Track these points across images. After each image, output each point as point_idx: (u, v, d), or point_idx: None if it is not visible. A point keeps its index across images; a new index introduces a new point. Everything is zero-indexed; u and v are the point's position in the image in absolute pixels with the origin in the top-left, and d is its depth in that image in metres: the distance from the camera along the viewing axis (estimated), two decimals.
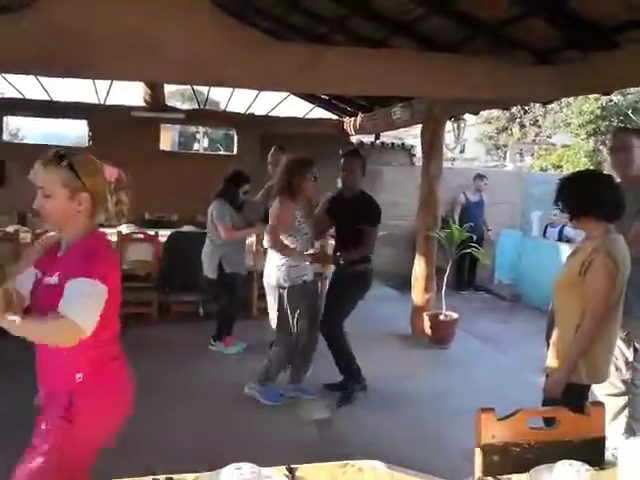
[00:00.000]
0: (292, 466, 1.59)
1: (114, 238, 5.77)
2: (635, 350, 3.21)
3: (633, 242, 2.74)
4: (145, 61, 3.46)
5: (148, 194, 7.53)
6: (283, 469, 1.57)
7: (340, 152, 4.54)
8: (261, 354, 4.28)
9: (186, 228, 6.79)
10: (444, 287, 5.52)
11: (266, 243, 4.08)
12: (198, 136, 21.68)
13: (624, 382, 3.19)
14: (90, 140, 7.81)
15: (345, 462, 1.63)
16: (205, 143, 21.41)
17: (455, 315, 5.55)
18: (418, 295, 5.76)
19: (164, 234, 6.01)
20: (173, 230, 6.28)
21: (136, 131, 7.54)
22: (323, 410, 4.02)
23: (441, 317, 5.50)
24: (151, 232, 5.99)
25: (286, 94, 8.53)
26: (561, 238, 8.06)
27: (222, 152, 11.11)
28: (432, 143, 5.64)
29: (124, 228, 6.40)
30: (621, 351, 3.11)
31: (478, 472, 1.69)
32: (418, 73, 3.90)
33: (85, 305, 1.72)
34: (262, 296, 5.98)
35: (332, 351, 4.27)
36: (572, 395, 2.41)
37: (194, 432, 3.53)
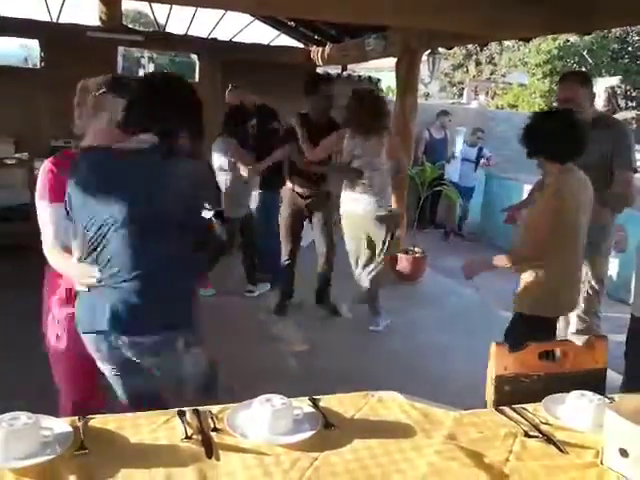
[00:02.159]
0: (314, 397, 1.60)
1: None
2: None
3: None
4: None
5: None
6: (306, 400, 1.58)
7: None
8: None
9: None
10: (415, 224, 5.58)
11: None
12: (143, 61, 20.59)
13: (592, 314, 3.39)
14: (42, 61, 7.31)
15: (365, 393, 1.65)
16: (150, 68, 20.35)
17: (424, 252, 5.64)
18: None
19: None
20: None
21: (92, 53, 7.05)
22: (301, 343, 4.08)
23: (411, 254, 5.58)
24: None
25: (251, 19, 8.18)
26: (479, 157, 8.23)
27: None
28: (407, 77, 5.55)
29: None
30: None
31: (490, 401, 1.75)
32: (406, 2, 3.77)
33: None
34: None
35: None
36: (526, 324, 2.63)
37: None
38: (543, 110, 3.04)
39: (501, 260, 2.68)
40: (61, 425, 1.35)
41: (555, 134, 2.50)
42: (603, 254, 3.31)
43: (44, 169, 1.93)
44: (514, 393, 1.75)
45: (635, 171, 3.22)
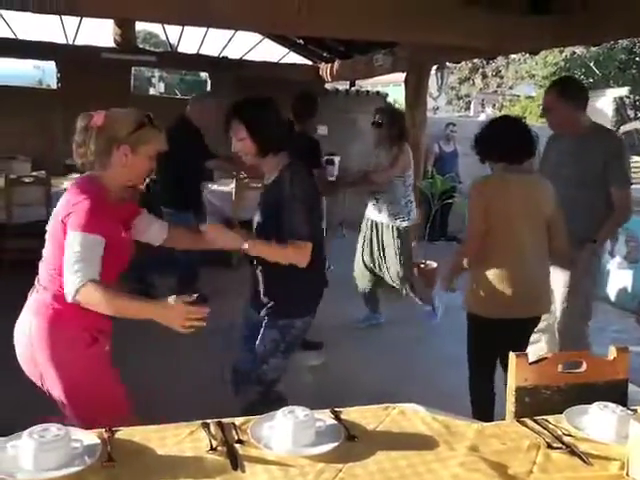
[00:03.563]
0: (336, 409, 1.61)
1: None
2: None
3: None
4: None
5: None
6: (328, 412, 1.59)
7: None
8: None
9: None
10: (426, 237, 5.59)
11: None
12: (153, 80, 20.84)
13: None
14: (59, 82, 7.45)
15: (386, 405, 1.66)
16: (161, 88, 20.61)
17: (435, 264, 5.63)
18: None
19: None
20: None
21: (106, 73, 7.20)
22: (315, 357, 4.08)
23: (422, 266, 5.57)
24: None
25: (260, 38, 8.29)
26: None
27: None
28: (416, 91, 5.60)
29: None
30: None
31: (511, 413, 1.75)
32: (415, 18, 3.82)
33: None
34: None
35: None
36: (470, 323, 2.79)
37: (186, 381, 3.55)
38: (495, 117, 3.18)
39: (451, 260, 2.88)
40: (89, 437, 1.37)
41: (501, 138, 2.68)
42: (583, 269, 3.16)
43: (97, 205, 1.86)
44: (535, 404, 1.74)
45: (631, 184, 3.18)
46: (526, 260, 2.69)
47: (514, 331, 2.69)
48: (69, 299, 1.78)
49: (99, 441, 1.36)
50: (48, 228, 1.95)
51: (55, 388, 1.91)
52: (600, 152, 3.06)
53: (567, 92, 3.15)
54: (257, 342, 2.47)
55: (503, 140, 2.68)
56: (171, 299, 1.80)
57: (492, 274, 2.67)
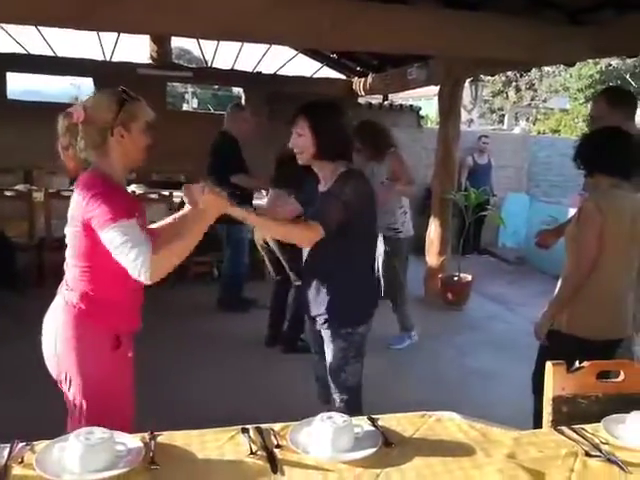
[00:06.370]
0: (373, 416, 1.62)
1: None
2: None
3: None
4: (176, 15, 3.36)
5: (154, 155, 7.43)
6: (365, 419, 1.61)
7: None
8: None
9: None
10: (460, 250, 5.56)
11: None
12: (187, 96, 21.25)
13: None
14: None
15: (423, 413, 1.66)
16: (194, 103, 20.98)
17: (469, 277, 5.61)
18: (432, 258, 5.80)
19: (178, 195, 5.95)
20: None
21: (142, 89, 7.28)
22: None
23: (456, 279, 5.55)
24: (165, 192, 5.93)
25: (294, 53, 8.40)
26: None
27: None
28: (450, 104, 5.60)
29: (135, 188, 6.36)
30: None
31: (547, 422, 1.74)
32: (449, 31, 3.82)
33: None
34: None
35: None
36: (553, 342, 2.55)
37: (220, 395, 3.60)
38: (599, 128, 2.96)
39: (553, 299, 2.58)
40: (133, 440, 1.41)
41: (616, 150, 2.47)
42: None
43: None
44: (572, 414, 1.73)
45: None
46: (626, 282, 2.56)
47: (605, 352, 2.46)
48: (149, 282, 1.81)
49: (142, 444, 1.40)
50: (67, 231, 1.94)
51: (73, 384, 1.93)
52: None
53: (616, 100, 3.09)
54: (327, 356, 2.47)
55: (621, 152, 2.47)
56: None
57: (593, 294, 2.50)
